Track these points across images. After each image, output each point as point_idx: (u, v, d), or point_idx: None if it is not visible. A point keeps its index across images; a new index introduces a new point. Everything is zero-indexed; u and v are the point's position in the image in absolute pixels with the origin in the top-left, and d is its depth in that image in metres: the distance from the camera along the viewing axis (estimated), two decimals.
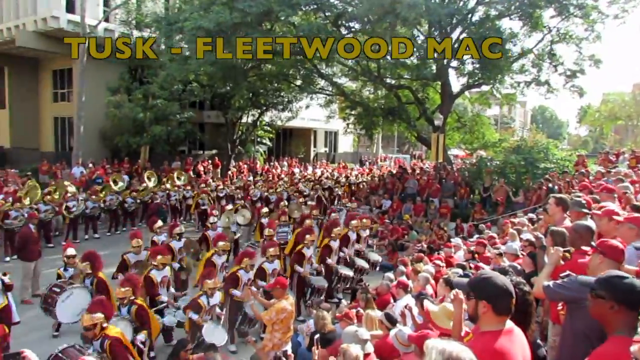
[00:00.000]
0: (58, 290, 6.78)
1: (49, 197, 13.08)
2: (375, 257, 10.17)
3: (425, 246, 11.17)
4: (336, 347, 4.74)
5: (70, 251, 7.59)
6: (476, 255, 8.11)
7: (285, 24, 17.73)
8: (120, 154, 22.12)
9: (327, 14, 17.52)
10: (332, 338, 4.98)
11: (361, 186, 20.96)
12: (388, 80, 20.95)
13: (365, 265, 9.46)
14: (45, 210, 12.35)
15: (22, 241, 9.04)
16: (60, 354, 4.70)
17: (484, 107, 26.84)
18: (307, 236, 8.52)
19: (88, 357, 3.20)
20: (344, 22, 17.76)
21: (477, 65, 18.11)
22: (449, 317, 3.97)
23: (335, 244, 9.03)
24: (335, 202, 17.48)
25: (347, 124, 24.56)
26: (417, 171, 22.13)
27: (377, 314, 5.28)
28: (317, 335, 4.63)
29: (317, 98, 24.16)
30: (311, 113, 27.69)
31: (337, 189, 18.67)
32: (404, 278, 6.89)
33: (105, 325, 4.75)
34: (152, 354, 6.63)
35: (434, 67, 18.91)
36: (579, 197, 5.36)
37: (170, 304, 6.96)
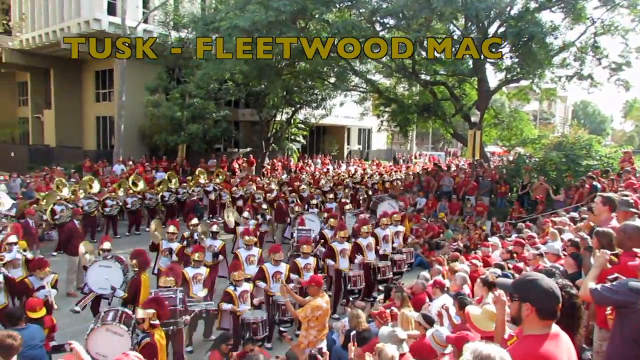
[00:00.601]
0: (108, 257, 7.07)
1: (89, 191, 13.55)
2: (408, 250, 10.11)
3: (461, 245, 10.98)
4: (371, 345, 4.71)
5: (107, 245, 7.78)
6: (515, 255, 7.90)
7: (319, 22, 17.72)
8: (158, 152, 22.73)
9: (361, 10, 17.41)
10: (368, 337, 4.96)
11: (395, 184, 20.76)
12: (423, 77, 20.65)
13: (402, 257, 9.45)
14: (87, 204, 12.79)
15: (67, 236, 9.41)
16: (120, 311, 4.96)
17: (522, 103, 26.07)
18: (339, 232, 8.55)
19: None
20: (378, 18, 17.59)
21: (516, 60, 17.61)
22: (490, 319, 3.88)
23: (365, 242, 8.98)
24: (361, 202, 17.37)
25: (381, 121, 24.35)
26: (453, 169, 21.73)
27: (413, 313, 5.22)
28: (353, 333, 4.61)
29: (351, 95, 24.06)
30: (345, 110, 27.61)
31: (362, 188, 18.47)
32: (440, 277, 6.78)
33: (156, 323, 4.82)
34: (189, 348, 6.78)
35: (470, 63, 18.51)
36: (627, 196, 5.12)
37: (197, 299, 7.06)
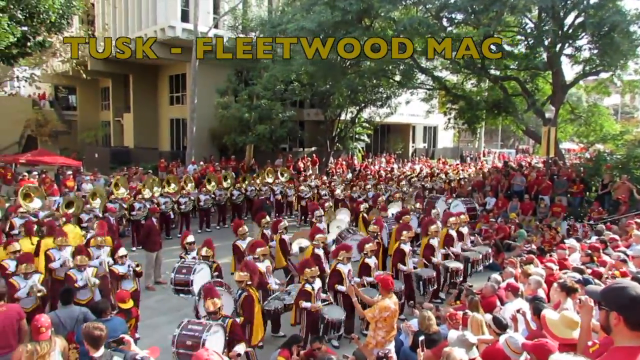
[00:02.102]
0: (185, 270, 7.20)
1: (165, 190, 14.33)
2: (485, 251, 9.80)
3: (535, 247, 10.48)
4: (441, 348, 4.65)
5: (190, 238, 8.20)
6: (595, 259, 7.43)
7: (385, 20, 17.59)
8: (227, 152, 23.60)
9: (428, 6, 17.08)
10: (437, 339, 4.90)
11: (462, 183, 20.19)
12: (493, 72, 19.88)
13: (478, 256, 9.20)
14: (164, 203, 13.55)
15: (146, 233, 10.03)
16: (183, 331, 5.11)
17: (601, 97, 24.35)
18: (404, 232, 8.44)
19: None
20: (446, 14, 17.17)
21: (595, 52, 16.48)
22: (569, 326, 3.71)
23: (435, 242, 8.81)
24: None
25: (448, 119, 23.74)
26: (525, 167, 20.74)
27: (484, 317, 5.07)
28: (421, 337, 4.57)
29: (417, 93, 23.65)
30: (410, 108, 27.22)
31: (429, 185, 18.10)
32: (512, 280, 6.53)
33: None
34: (260, 343, 6.99)
35: (544, 56, 17.56)
36: None
37: (281, 290, 7.32)
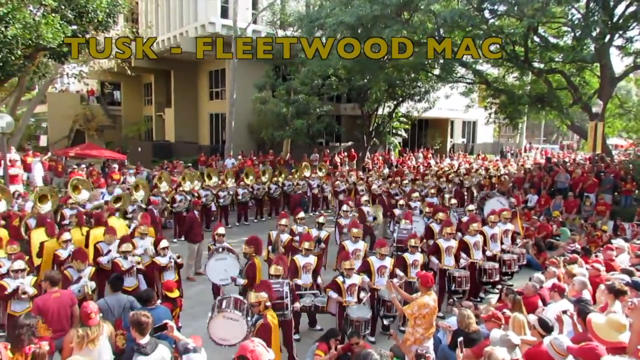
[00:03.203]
0: (220, 250, 7.60)
1: (206, 183, 14.68)
2: (511, 256, 9.49)
3: (579, 247, 10.12)
4: (481, 348, 4.58)
5: (221, 230, 8.30)
6: None
7: (425, 13, 17.31)
8: (265, 147, 23.89)
9: None
10: (477, 338, 4.82)
11: (503, 179, 19.66)
12: (536, 65, 19.24)
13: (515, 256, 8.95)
14: (205, 196, 13.88)
15: (188, 225, 10.31)
16: (233, 298, 5.34)
17: None
18: (447, 229, 8.33)
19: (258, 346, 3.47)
20: (488, 5, 16.72)
21: None
22: (617, 329, 3.59)
23: (472, 240, 8.64)
24: (475, 195, 16.67)
25: (489, 114, 23.16)
26: (569, 163, 20.02)
27: (526, 317, 4.95)
28: (460, 339, 4.50)
29: (456, 87, 23.19)
30: (449, 103, 26.72)
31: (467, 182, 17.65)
32: (556, 281, 6.35)
33: (268, 304, 5.19)
34: (296, 336, 7.08)
35: (592, 48, 16.84)
36: None
37: (310, 287, 7.31)
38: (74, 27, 14.16)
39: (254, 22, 23.14)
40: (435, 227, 9.54)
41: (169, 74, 29.10)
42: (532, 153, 35.22)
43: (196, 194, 13.49)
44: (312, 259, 7.46)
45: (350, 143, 27.92)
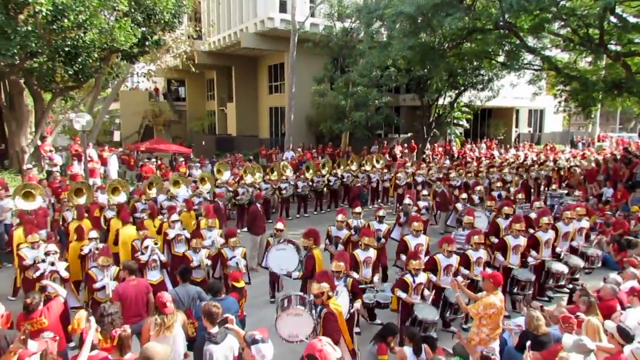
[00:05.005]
0: (280, 241, 7.84)
1: (267, 177, 15.04)
2: (595, 252, 8.95)
3: None
4: (551, 352, 4.41)
5: (280, 225, 8.51)
6: None
7: None
8: (324, 139, 24.04)
9: None
10: (547, 341, 4.64)
11: (573, 171, 18.61)
12: (613, 48, 17.89)
13: (581, 263, 8.42)
14: (265, 189, 14.23)
15: (251, 218, 10.64)
16: (295, 295, 5.40)
17: None
18: (516, 225, 7.92)
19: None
20: None
21: None
22: None
23: (544, 236, 8.26)
24: (542, 188, 15.94)
25: (559, 102, 21.89)
26: None
27: (602, 323, 4.68)
28: (529, 342, 4.35)
29: (523, 74, 22.06)
30: (514, 90, 25.51)
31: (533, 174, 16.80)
32: (635, 283, 5.95)
33: (330, 294, 5.25)
34: (357, 329, 7.12)
35: None
36: None
37: (373, 283, 7.26)
38: (143, 29, 14.93)
39: (312, 15, 23.22)
40: (502, 223, 9.16)
41: (230, 70, 29.95)
42: (607, 143, 32.94)
43: (257, 187, 13.87)
44: (372, 253, 7.43)
45: (409, 134, 27.47)
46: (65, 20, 12.35)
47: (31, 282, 7.14)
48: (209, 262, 7.85)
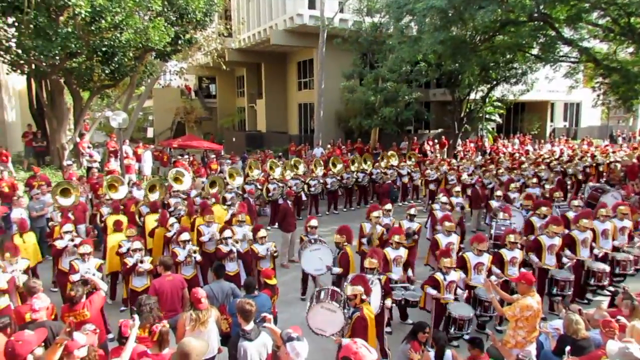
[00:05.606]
0: (313, 241, 7.82)
1: (295, 172, 15.08)
2: (627, 256, 8.58)
3: None
4: (591, 357, 4.29)
5: (313, 222, 8.50)
6: None
7: None
8: (353, 135, 23.95)
9: None
10: (587, 346, 4.49)
11: (612, 167, 17.92)
12: None
13: (606, 268, 8.02)
14: (294, 185, 14.28)
15: (282, 215, 10.72)
16: (331, 289, 5.50)
17: None
18: (552, 226, 7.69)
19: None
20: None
21: None
22: None
23: (580, 236, 8.00)
24: (582, 186, 15.42)
25: (598, 95, 21.14)
26: None
27: None
28: (568, 348, 4.22)
29: (558, 67, 21.38)
30: (548, 84, 24.79)
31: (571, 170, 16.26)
32: None
33: (364, 298, 5.25)
34: (388, 329, 7.10)
35: None
36: None
37: (401, 281, 7.21)
38: (176, 28, 15.21)
39: (341, 10, 23.13)
40: (537, 221, 8.93)
41: (260, 67, 30.17)
42: None
43: (287, 183, 13.95)
44: (403, 252, 7.40)
45: (440, 130, 27.08)
46: (103, 21, 12.73)
47: (64, 275, 7.42)
48: (240, 248, 8.03)
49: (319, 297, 5.34)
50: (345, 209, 15.80)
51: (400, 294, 6.82)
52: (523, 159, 18.95)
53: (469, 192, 13.43)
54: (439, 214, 9.98)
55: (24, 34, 12.53)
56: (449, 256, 6.61)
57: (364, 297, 5.18)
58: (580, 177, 16.07)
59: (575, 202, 9.83)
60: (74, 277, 6.80)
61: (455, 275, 6.61)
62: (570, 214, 9.30)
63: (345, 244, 7.44)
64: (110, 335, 6.46)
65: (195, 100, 36.73)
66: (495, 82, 23.58)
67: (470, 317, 6.21)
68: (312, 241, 7.87)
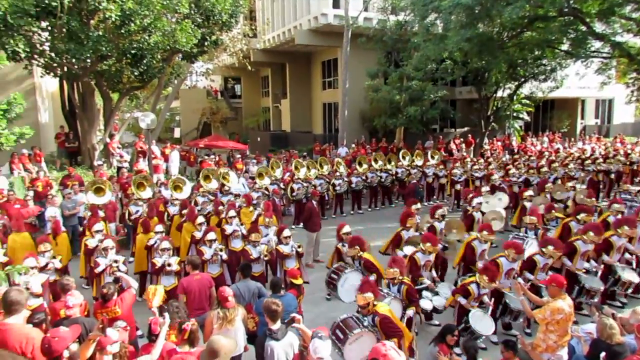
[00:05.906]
0: (335, 276, 7.28)
1: (319, 171, 15.10)
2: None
3: None
4: None
5: (346, 229, 8.15)
6: None
7: None
8: (377, 134, 23.82)
9: None
10: (622, 352, 4.36)
11: None
12: None
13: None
14: (319, 184, 14.31)
15: (308, 214, 10.75)
16: (340, 323, 5.25)
17: None
18: (590, 234, 7.39)
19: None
20: None
21: None
22: None
23: (618, 242, 7.69)
24: (616, 186, 14.95)
25: (632, 91, 20.46)
26: None
27: None
28: (603, 354, 4.11)
29: (590, 63, 20.77)
30: (579, 80, 24.12)
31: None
32: None
33: (375, 303, 5.22)
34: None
35: None
36: None
37: (430, 287, 7.07)
38: (203, 30, 15.43)
39: (365, 9, 23.03)
40: (574, 226, 8.57)
41: (284, 67, 30.31)
42: None
43: (312, 182, 13.99)
44: (433, 256, 7.31)
45: (466, 129, 26.65)
46: (132, 25, 13.03)
47: (92, 272, 7.58)
48: (267, 255, 8.06)
49: (339, 338, 5.11)
50: (370, 209, 15.74)
51: (430, 304, 6.70)
52: (552, 157, 18.48)
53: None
54: (476, 216, 9.85)
55: (57, 37, 12.91)
56: (490, 275, 6.32)
57: (375, 302, 5.16)
58: (612, 176, 15.59)
59: (617, 206, 9.43)
60: (99, 270, 7.09)
61: (488, 289, 6.48)
62: (613, 219, 8.95)
63: (360, 253, 7.25)
64: (139, 332, 6.60)
65: (221, 100, 37.19)
66: (523, 79, 23.06)
67: (486, 335, 6.09)
68: (335, 276, 7.27)
